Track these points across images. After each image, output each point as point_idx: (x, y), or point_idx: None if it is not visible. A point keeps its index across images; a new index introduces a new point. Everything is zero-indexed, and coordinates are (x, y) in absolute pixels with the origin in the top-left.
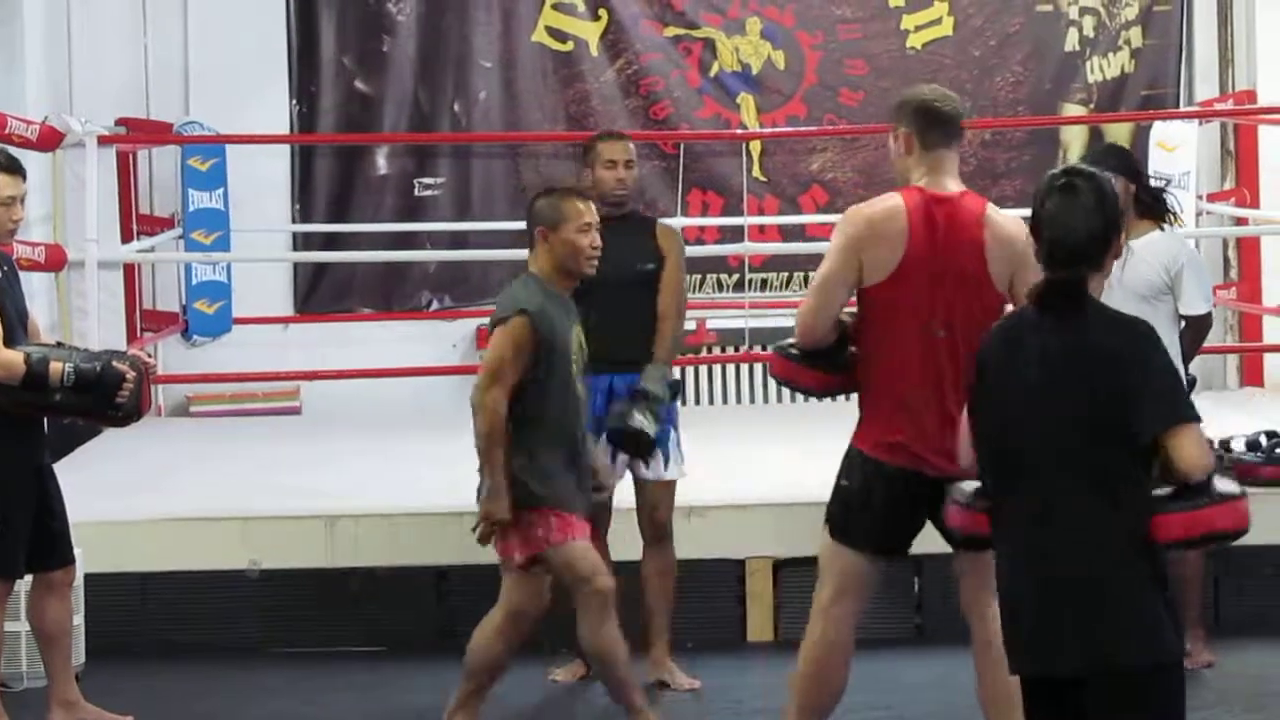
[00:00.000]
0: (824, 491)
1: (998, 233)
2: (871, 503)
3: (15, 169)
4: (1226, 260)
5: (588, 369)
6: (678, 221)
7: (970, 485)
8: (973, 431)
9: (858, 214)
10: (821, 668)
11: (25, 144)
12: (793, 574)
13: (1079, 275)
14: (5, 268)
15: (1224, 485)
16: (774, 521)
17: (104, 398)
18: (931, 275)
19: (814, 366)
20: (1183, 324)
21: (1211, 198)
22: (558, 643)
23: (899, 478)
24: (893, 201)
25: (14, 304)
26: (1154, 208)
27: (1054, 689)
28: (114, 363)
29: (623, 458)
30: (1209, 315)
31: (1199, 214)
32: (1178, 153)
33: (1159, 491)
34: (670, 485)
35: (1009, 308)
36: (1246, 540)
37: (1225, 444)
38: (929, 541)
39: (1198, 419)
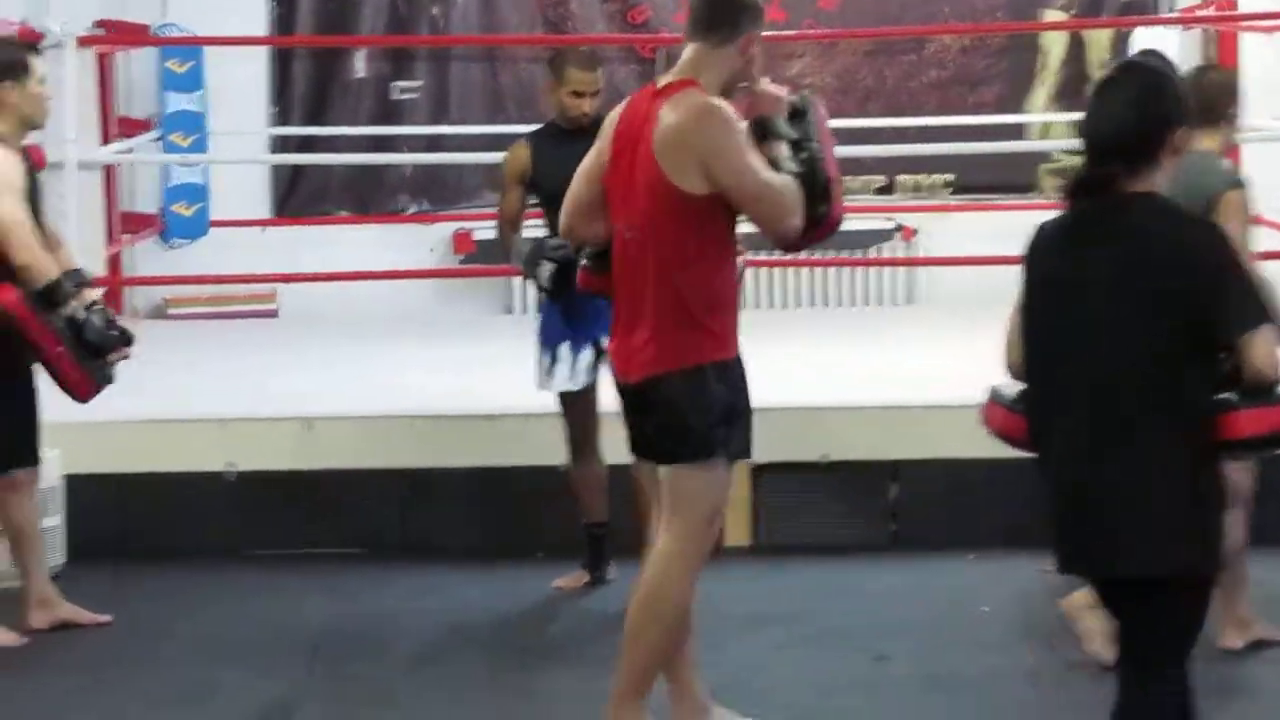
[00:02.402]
0: (805, 397)
1: (665, 127)
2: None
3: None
4: None
5: None
6: None
7: (1013, 387)
8: (1023, 335)
9: None
10: None
11: None
12: (771, 479)
13: (1107, 172)
14: (32, 171)
15: None
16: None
17: (93, 354)
18: (621, 174)
19: (587, 268)
20: None
21: None
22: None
23: (620, 387)
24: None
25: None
26: None
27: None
28: (119, 348)
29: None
30: None
31: None
32: None
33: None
34: (584, 396)
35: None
36: None
37: None
38: (907, 447)
39: (1273, 320)
